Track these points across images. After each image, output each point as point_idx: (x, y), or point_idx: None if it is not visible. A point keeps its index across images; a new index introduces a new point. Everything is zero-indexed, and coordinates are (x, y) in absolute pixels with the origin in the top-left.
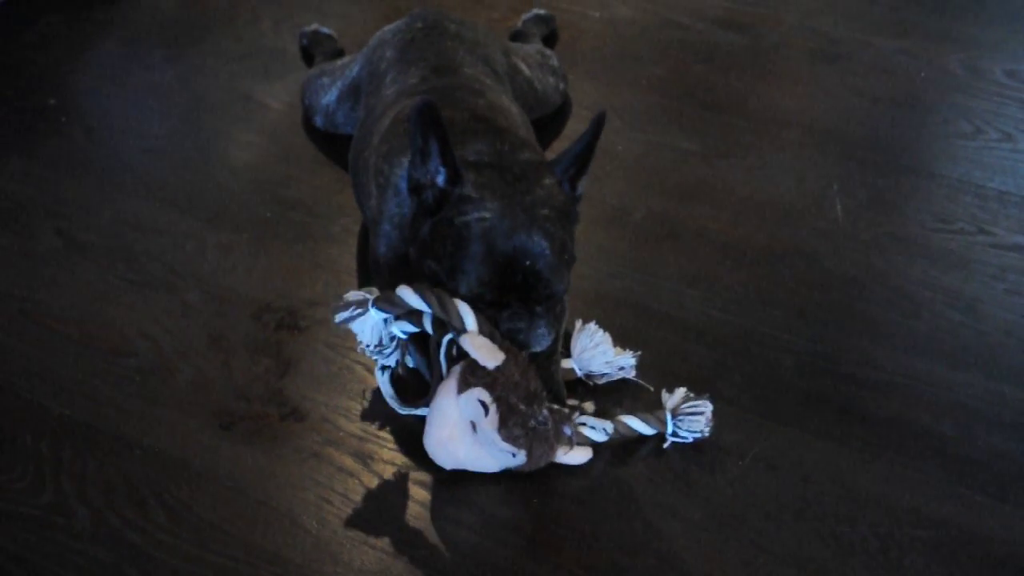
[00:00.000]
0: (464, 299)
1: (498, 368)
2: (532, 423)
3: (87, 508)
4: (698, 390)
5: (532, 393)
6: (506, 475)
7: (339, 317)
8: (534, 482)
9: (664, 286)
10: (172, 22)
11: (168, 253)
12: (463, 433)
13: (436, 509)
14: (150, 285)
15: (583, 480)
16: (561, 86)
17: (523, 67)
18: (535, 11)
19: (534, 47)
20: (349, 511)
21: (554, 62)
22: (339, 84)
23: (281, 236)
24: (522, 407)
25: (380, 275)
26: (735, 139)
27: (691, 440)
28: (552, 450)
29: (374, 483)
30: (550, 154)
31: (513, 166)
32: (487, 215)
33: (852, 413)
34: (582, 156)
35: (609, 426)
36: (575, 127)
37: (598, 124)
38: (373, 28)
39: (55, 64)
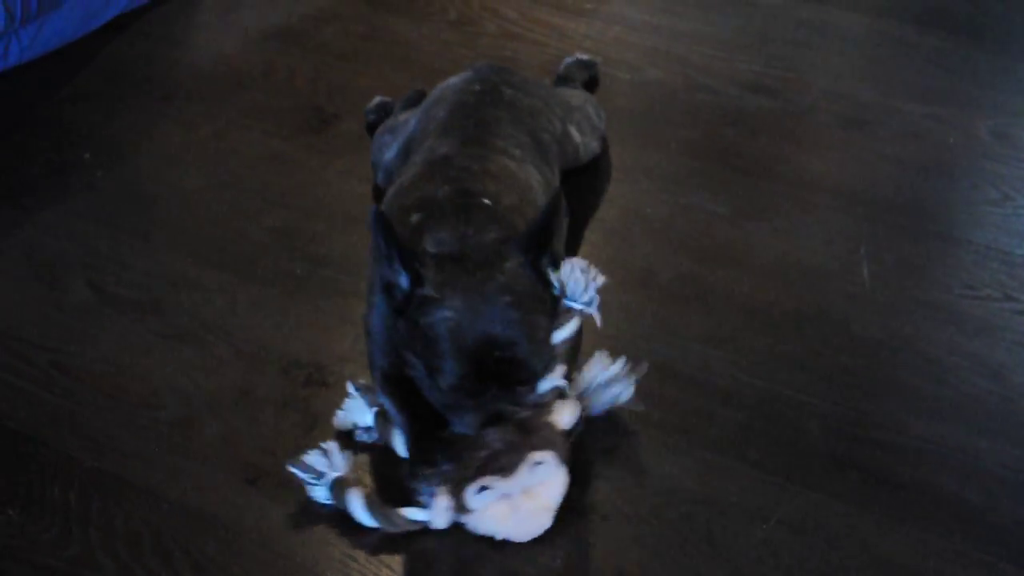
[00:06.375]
0: (447, 393)
1: (448, 482)
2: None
3: (113, 561)
4: (723, 453)
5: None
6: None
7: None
8: (561, 539)
9: (690, 348)
10: (208, 79)
11: (198, 307)
12: (515, 499)
13: (461, 566)
14: (180, 338)
15: (608, 541)
16: (597, 149)
17: (575, 134)
18: (577, 56)
19: (592, 107)
20: (374, 568)
21: (603, 125)
22: (399, 140)
23: (311, 292)
24: (498, 452)
25: (375, 344)
26: (763, 202)
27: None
28: (559, 432)
29: (400, 540)
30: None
31: (475, 252)
32: (449, 314)
33: (877, 478)
34: (538, 236)
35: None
36: (615, 190)
37: (553, 205)
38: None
39: (90, 119)
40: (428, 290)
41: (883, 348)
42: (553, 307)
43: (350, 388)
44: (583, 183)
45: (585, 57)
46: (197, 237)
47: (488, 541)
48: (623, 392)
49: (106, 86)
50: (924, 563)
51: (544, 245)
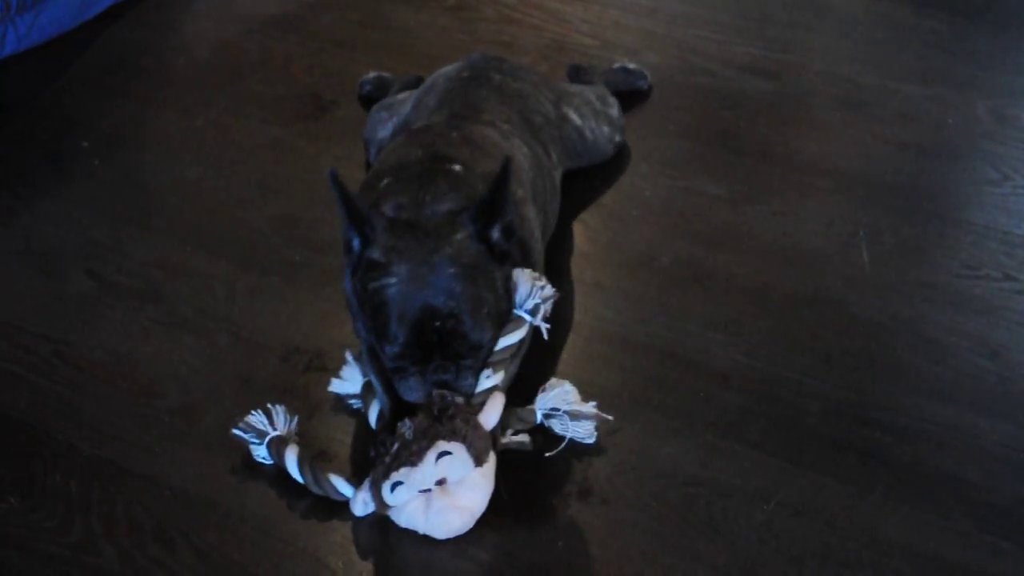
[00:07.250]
0: (393, 359)
1: (373, 472)
2: (420, 423)
3: (115, 548)
4: (723, 435)
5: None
6: (526, 518)
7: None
8: (559, 523)
9: (690, 331)
10: (206, 67)
11: (198, 295)
12: (432, 496)
13: (462, 552)
14: (180, 326)
15: (608, 522)
16: (617, 138)
17: (573, 116)
18: (624, 63)
19: (596, 91)
20: (375, 553)
21: (614, 112)
22: (394, 120)
23: (310, 279)
24: (409, 442)
25: (355, 315)
26: (762, 185)
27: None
28: (477, 428)
29: (401, 525)
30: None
31: (427, 221)
32: (394, 280)
33: (877, 459)
34: (488, 206)
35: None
36: (613, 173)
37: (503, 173)
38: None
39: (88, 108)
40: (376, 253)
41: (882, 329)
42: (504, 283)
43: (348, 356)
44: (582, 166)
45: (632, 65)
46: (196, 225)
47: (485, 523)
48: (585, 434)
49: (103, 75)
50: (924, 543)
51: (494, 216)
